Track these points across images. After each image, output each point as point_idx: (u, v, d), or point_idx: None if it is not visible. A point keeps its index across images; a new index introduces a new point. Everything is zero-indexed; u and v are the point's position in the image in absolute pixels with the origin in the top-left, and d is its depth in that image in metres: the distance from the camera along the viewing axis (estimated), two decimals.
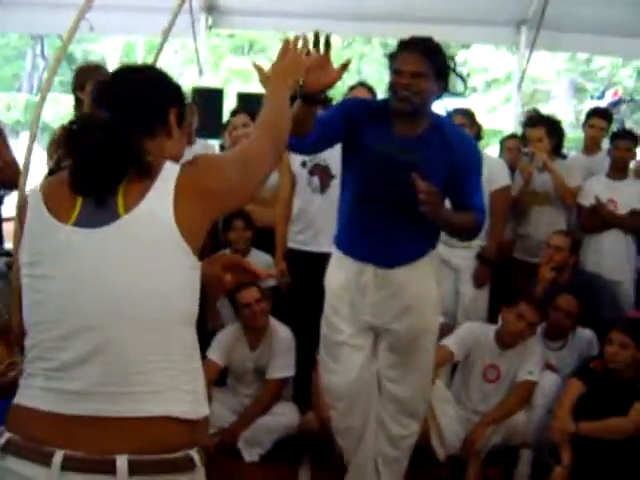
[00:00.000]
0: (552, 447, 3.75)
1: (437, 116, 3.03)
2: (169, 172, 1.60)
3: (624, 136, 5.06)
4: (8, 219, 3.35)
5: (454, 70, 2.90)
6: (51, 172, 2.26)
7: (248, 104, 7.36)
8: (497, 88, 17.36)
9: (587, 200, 4.82)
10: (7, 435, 1.55)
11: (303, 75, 2.20)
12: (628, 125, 11.06)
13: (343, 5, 6.65)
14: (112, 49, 21.21)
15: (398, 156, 2.86)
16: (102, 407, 1.51)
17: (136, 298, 1.54)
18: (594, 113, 5.64)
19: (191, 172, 1.61)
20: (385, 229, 2.94)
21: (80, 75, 4.25)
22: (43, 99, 2.79)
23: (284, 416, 4.07)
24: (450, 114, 4.44)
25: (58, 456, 1.48)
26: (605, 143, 5.51)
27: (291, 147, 2.75)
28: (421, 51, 2.80)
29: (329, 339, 3.17)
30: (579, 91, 21.05)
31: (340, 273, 3.10)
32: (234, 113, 5.01)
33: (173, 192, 1.56)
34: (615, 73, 19.12)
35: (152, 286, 1.55)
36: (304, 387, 4.18)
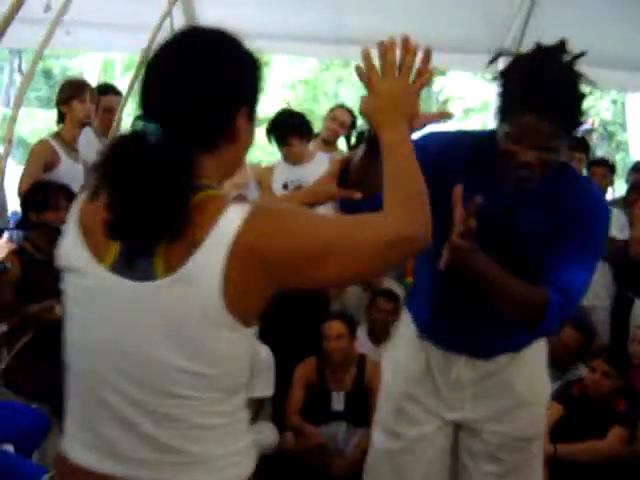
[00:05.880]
0: None
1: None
2: (227, 227, 1.23)
3: (599, 163, 5.29)
4: None
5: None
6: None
7: None
8: (474, 115, 17.58)
9: None
10: None
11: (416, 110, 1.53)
12: (599, 154, 11.26)
13: (321, 28, 6.69)
14: (91, 66, 21.18)
15: (497, 219, 2.01)
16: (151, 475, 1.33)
17: (166, 372, 1.28)
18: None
19: (256, 228, 1.24)
20: (481, 313, 2.13)
21: (65, 90, 4.27)
22: (16, 112, 2.86)
23: (262, 435, 4.02)
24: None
25: None
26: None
27: (342, 209, 1.98)
28: (554, 119, 1.86)
29: (401, 432, 2.32)
30: None
31: (420, 355, 2.31)
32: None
33: (226, 255, 1.22)
34: (593, 104, 19.41)
35: (182, 362, 1.27)
36: (281, 407, 4.15)
